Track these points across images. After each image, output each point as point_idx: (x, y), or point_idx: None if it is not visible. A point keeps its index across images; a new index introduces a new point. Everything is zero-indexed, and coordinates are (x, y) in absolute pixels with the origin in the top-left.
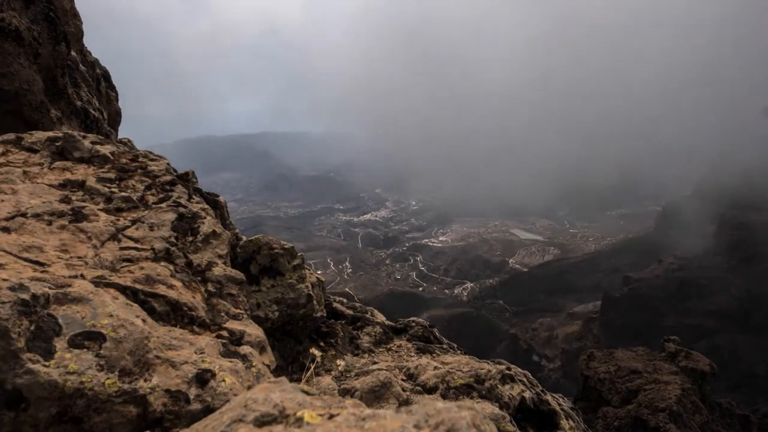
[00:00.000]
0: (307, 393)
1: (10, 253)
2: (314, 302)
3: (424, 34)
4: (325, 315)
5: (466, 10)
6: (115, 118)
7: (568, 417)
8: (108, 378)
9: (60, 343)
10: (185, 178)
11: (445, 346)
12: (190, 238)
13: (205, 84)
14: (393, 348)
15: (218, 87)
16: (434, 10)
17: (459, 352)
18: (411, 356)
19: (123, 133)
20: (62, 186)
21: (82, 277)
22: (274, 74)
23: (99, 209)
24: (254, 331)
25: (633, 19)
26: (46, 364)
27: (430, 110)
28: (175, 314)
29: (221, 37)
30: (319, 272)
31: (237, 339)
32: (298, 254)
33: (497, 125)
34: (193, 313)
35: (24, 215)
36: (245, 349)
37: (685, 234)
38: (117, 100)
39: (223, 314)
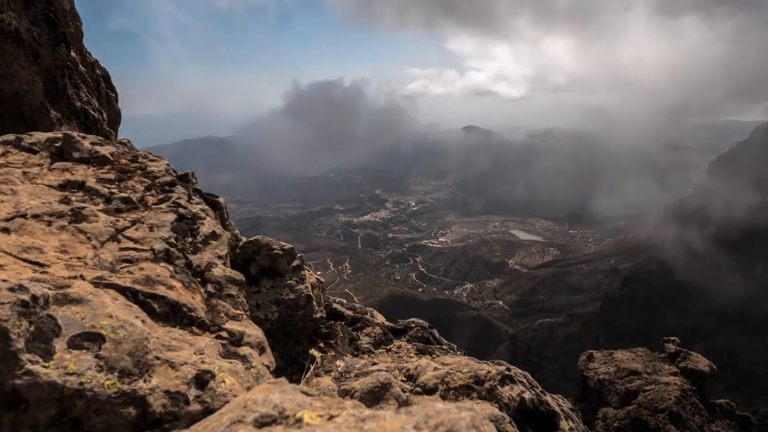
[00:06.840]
0: (306, 394)
1: (10, 254)
2: (314, 303)
3: None
4: (324, 316)
5: None
6: (115, 118)
7: (567, 418)
8: (107, 379)
9: (59, 344)
10: (185, 179)
11: (444, 347)
12: (190, 239)
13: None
14: (393, 349)
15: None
16: None
17: (459, 352)
18: (411, 357)
19: (123, 133)
20: (62, 187)
21: (82, 278)
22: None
23: (99, 210)
24: (254, 332)
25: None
26: (46, 365)
27: None
28: (174, 315)
29: None
30: (318, 273)
31: (236, 340)
32: (298, 255)
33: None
34: (193, 314)
35: (24, 216)
36: (245, 350)
37: (685, 234)
38: (116, 100)
39: (222, 315)
